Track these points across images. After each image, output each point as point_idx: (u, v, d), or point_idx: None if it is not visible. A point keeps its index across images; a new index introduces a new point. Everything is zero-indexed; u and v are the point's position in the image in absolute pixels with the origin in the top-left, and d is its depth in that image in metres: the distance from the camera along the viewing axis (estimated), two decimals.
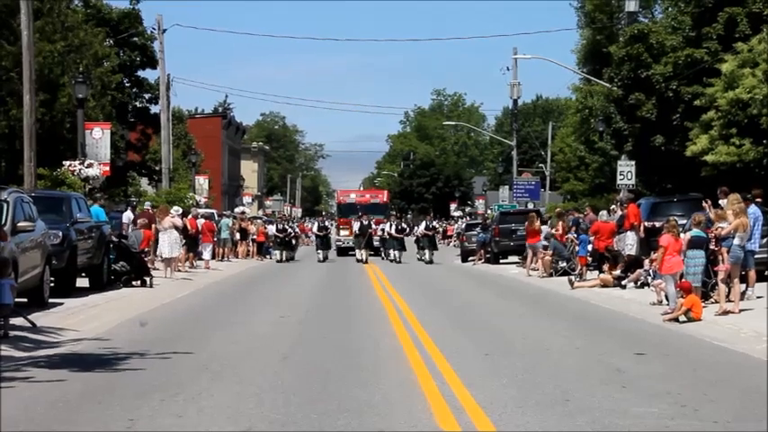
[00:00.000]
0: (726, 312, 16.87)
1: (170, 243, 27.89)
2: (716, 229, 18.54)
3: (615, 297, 22.10)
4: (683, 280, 17.21)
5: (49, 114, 34.44)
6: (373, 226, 44.47)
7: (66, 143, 35.09)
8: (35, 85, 27.72)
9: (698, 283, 17.57)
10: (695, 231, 18.06)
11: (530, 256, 32.19)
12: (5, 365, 11.57)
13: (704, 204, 22.32)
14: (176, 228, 28.47)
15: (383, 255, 45.11)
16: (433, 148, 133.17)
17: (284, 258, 42.89)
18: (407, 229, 49.31)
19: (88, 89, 32.45)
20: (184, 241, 29.60)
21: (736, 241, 17.44)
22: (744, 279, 18.53)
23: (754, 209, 18.86)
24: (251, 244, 45.93)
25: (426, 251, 42.76)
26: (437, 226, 51.36)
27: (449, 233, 73.68)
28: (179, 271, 29.94)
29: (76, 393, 9.90)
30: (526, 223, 32.97)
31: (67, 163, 30.57)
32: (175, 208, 30.80)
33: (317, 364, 12.02)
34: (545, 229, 32.04)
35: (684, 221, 20.39)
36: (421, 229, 46.18)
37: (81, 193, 26.03)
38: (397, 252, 42.58)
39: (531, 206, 51.05)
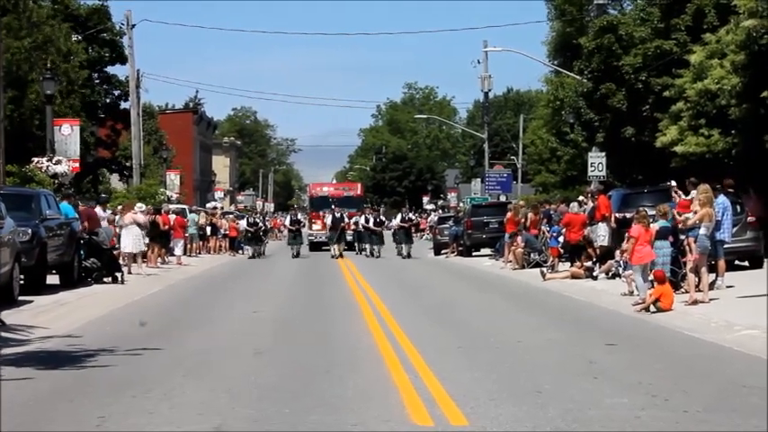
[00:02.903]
0: (695, 302, 16.98)
1: (132, 239, 27.62)
2: (683, 220, 18.66)
3: (587, 288, 22.20)
4: (656, 269, 17.28)
5: (17, 111, 34.20)
6: (346, 219, 43.72)
7: (35, 140, 34.85)
8: (3, 82, 27.48)
9: (667, 273, 17.67)
10: (661, 222, 18.15)
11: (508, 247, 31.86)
12: None
13: (673, 193, 22.48)
14: (138, 224, 28.11)
15: (357, 249, 44.33)
16: (406, 142, 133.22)
17: (255, 254, 42.11)
18: (385, 222, 48.72)
19: (56, 85, 32.20)
20: (147, 239, 29.25)
21: (702, 231, 17.55)
22: (713, 269, 18.66)
23: (722, 199, 18.99)
24: (222, 239, 45.73)
25: (404, 245, 41.61)
26: (414, 218, 50.16)
27: (422, 226, 73.75)
28: (149, 267, 29.77)
29: (47, 391, 9.83)
30: (509, 214, 32.47)
31: (36, 159, 30.33)
32: (139, 205, 30.49)
33: (290, 359, 12.00)
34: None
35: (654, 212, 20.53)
36: (397, 221, 44.95)
37: (50, 190, 25.82)
38: (375, 246, 41.60)
39: (503, 199, 51.18)
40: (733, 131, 28.89)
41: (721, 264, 19.01)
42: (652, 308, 16.58)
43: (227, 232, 46.22)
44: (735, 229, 20.76)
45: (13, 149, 30.12)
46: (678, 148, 30.34)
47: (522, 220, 31.34)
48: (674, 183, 24.24)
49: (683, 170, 28.75)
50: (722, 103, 28.71)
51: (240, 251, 45.54)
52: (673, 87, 32.02)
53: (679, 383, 10.11)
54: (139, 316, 17.61)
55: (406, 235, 42.52)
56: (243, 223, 45.34)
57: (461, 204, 62.46)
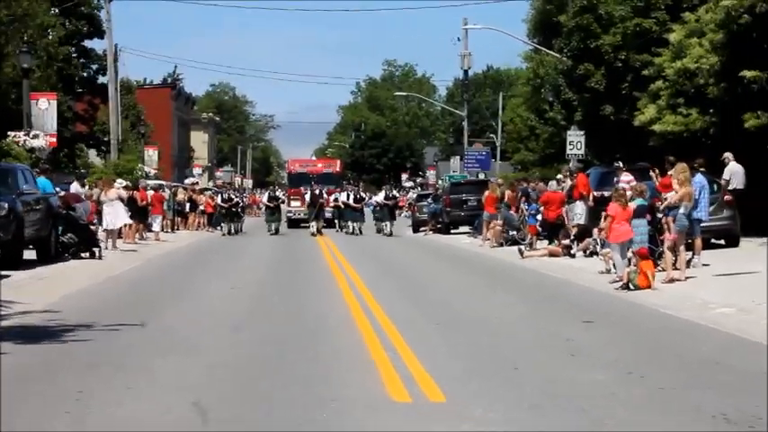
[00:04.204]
0: (672, 280, 17.11)
1: (115, 214, 27.62)
2: (663, 200, 18.78)
3: (565, 266, 22.31)
4: (640, 247, 17.35)
5: None
6: (325, 196, 43.28)
7: (12, 114, 34.58)
8: None
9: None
10: (638, 200, 18.27)
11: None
12: None
13: (651, 173, 22.64)
14: (121, 199, 28.20)
15: (337, 226, 43.95)
16: (385, 119, 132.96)
17: (231, 230, 41.03)
18: (366, 199, 48.29)
19: (33, 59, 31.93)
20: (129, 213, 29.25)
21: (681, 210, 17.68)
22: (690, 247, 18.79)
23: (700, 178, 19.13)
24: (201, 215, 45.48)
25: (387, 223, 40.85)
26: (398, 195, 49.60)
27: (400, 204, 73.84)
28: (126, 242, 29.72)
29: (24, 366, 9.80)
30: (487, 192, 32.46)
31: (13, 134, 30.12)
32: (119, 180, 30.43)
33: (268, 336, 12.02)
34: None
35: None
36: (380, 198, 44.06)
37: (27, 165, 25.66)
38: (356, 224, 41.06)
39: (481, 176, 51.26)
40: (711, 110, 29.01)
41: (698, 242, 19.16)
42: (631, 286, 16.68)
43: (204, 208, 45.87)
44: (711, 207, 20.94)
45: None
46: (656, 127, 30.45)
47: (501, 197, 31.43)
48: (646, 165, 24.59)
49: (661, 149, 28.87)
50: (700, 82, 28.81)
51: (219, 227, 45.13)
52: (652, 66, 32.09)
53: (655, 361, 10.20)
54: (117, 292, 17.59)
55: (389, 212, 41.74)
56: (218, 199, 44.59)
57: (440, 182, 62.54)
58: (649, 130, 31.02)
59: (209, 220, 45.19)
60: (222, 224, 42.06)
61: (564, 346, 11.14)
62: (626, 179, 23.45)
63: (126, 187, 30.09)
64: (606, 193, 24.43)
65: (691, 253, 18.89)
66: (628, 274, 16.88)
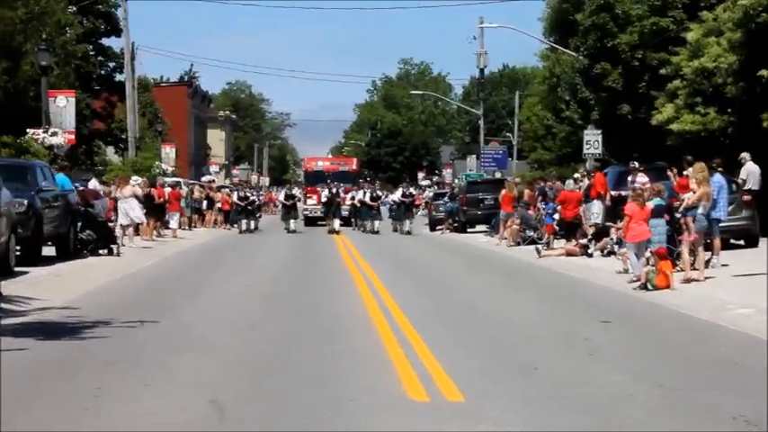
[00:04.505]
0: (691, 280, 17.04)
1: (128, 211, 27.63)
2: (681, 200, 18.70)
3: (582, 266, 22.25)
4: (658, 247, 17.28)
5: (12, 82, 34.06)
6: (342, 194, 43.27)
7: (31, 111, 34.72)
8: None
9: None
10: (656, 200, 18.20)
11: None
12: None
13: (669, 173, 22.56)
14: (136, 197, 28.22)
15: (354, 224, 43.74)
16: (401, 118, 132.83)
17: (247, 228, 40.87)
18: (382, 197, 48.03)
19: (51, 57, 32.07)
20: (144, 210, 29.30)
21: (699, 210, 17.59)
22: (709, 247, 18.71)
23: (718, 177, 19.01)
24: (218, 213, 45.55)
25: (406, 221, 40.43)
26: (415, 193, 49.24)
27: (417, 202, 73.75)
28: (144, 239, 29.81)
29: (43, 362, 9.85)
30: (503, 191, 32.29)
31: (32, 131, 30.26)
32: (134, 178, 30.48)
33: (284, 333, 12.03)
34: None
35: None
36: (397, 196, 43.61)
37: (46, 162, 25.77)
38: (373, 222, 40.72)
39: (498, 175, 51.17)
40: (729, 110, 28.90)
41: (717, 242, 19.06)
42: (649, 286, 16.61)
43: (221, 206, 45.92)
44: (730, 207, 20.83)
45: (9, 121, 30.03)
46: (674, 126, 30.35)
47: (518, 196, 31.35)
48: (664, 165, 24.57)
49: (678, 148, 28.77)
50: (718, 81, 28.70)
51: (235, 225, 45.15)
52: (669, 65, 31.97)
53: (673, 361, 10.16)
54: (135, 289, 17.66)
55: (407, 210, 41.31)
56: (234, 196, 44.59)
57: (456, 181, 62.47)
58: (667, 129, 30.92)
59: (225, 218, 45.26)
60: (238, 222, 41.98)
61: (582, 345, 11.11)
62: (641, 180, 23.39)
63: (142, 184, 30.10)
64: (624, 193, 24.40)
65: (710, 253, 18.79)
66: (646, 274, 16.81)
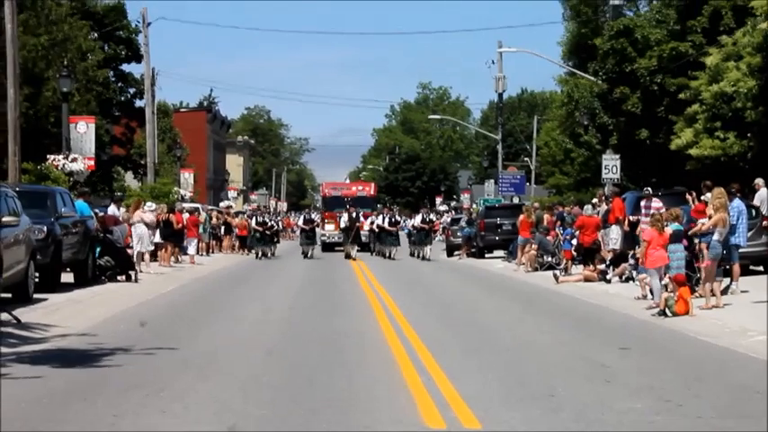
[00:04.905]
0: (710, 307, 16.93)
1: (137, 238, 27.49)
2: (698, 225, 18.62)
3: (600, 292, 22.15)
4: (677, 273, 17.19)
5: (33, 108, 34.31)
6: (362, 219, 42.83)
7: (51, 137, 34.98)
8: (19, 79, 27.57)
9: None
10: (674, 225, 18.13)
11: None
12: None
13: (688, 197, 22.48)
14: (145, 223, 27.95)
15: (372, 250, 43.60)
16: (419, 142, 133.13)
17: (264, 254, 40.64)
18: (401, 222, 47.73)
19: (73, 83, 32.33)
20: (154, 238, 29.14)
21: (715, 237, 17.46)
22: (728, 273, 18.60)
23: (738, 202, 18.93)
24: (236, 239, 45.54)
25: (426, 247, 40.14)
26: (435, 219, 48.99)
27: (435, 228, 73.67)
28: (162, 265, 29.87)
29: (61, 389, 9.87)
30: (521, 216, 32.17)
31: (52, 157, 30.45)
32: (149, 204, 30.41)
33: (302, 359, 12.02)
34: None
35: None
36: (417, 221, 43.23)
37: (65, 188, 25.91)
38: (390, 247, 40.46)
39: (516, 200, 51.10)
40: (749, 134, 28.80)
41: (736, 268, 18.94)
42: (668, 312, 16.51)
43: (238, 231, 45.82)
44: (750, 233, 20.71)
45: (29, 147, 30.23)
46: (693, 151, 30.27)
47: (535, 221, 31.28)
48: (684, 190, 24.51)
49: (697, 173, 28.69)
50: (738, 105, 28.63)
51: (252, 251, 45.02)
52: (688, 90, 31.93)
53: (692, 388, 10.09)
54: (153, 315, 17.67)
55: (426, 236, 41.17)
56: (252, 222, 44.38)
57: (474, 206, 62.39)
58: (686, 154, 30.84)
59: (243, 244, 45.17)
60: (255, 247, 41.85)
61: (600, 372, 11.05)
62: (656, 205, 23.32)
63: (156, 211, 29.89)
64: (635, 218, 24.37)
65: (729, 279, 18.69)
66: (665, 300, 16.72)
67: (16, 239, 17.14)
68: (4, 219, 16.48)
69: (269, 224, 43.31)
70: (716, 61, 30.33)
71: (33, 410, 8.81)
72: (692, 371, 11.47)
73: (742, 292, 18.86)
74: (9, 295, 16.85)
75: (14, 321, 14.67)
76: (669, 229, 17.96)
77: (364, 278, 28.42)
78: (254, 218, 43.35)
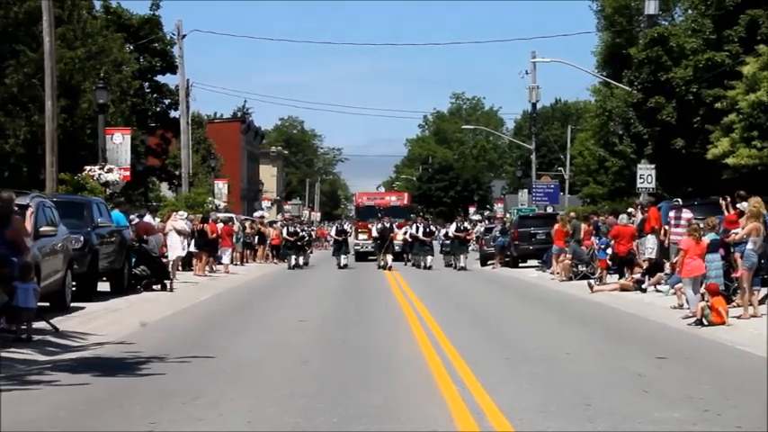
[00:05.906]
0: (748, 317, 16.76)
1: (170, 246, 27.70)
2: (732, 235, 18.45)
3: (635, 301, 22.01)
4: (709, 283, 17.05)
5: (70, 120, 34.65)
6: (395, 229, 42.50)
7: (87, 148, 35.28)
8: (56, 91, 27.90)
9: (720, 286, 17.46)
10: (710, 235, 17.98)
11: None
12: (29, 369, 11.65)
13: (721, 202, 22.27)
14: (177, 231, 28.20)
15: (405, 260, 43.33)
16: (452, 152, 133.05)
17: (296, 264, 40.57)
18: (436, 232, 47.56)
19: (108, 95, 32.63)
20: (184, 245, 29.28)
21: (749, 246, 17.25)
22: (766, 283, 18.40)
23: None
24: (269, 248, 45.67)
25: (461, 256, 39.88)
26: (469, 228, 48.65)
27: (468, 237, 73.49)
28: (197, 275, 30.03)
29: (98, 397, 9.95)
30: (556, 225, 31.97)
31: (88, 168, 30.73)
32: (181, 213, 30.62)
33: (336, 368, 12.03)
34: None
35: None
36: (451, 230, 42.76)
37: (102, 198, 26.14)
38: (425, 257, 40.00)
39: (550, 210, 50.90)
40: None
41: None
42: (705, 321, 16.37)
43: (272, 241, 45.95)
44: None
45: (66, 158, 30.54)
46: (730, 161, 30.04)
47: (572, 231, 31.16)
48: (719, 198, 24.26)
49: (734, 182, 28.44)
50: None
51: (285, 260, 45.01)
52: (724, 99, 31.69)
53: (730, 398, 9.99)
54: (187, 324, 17.78)
55: (461, 245, 40.92)
56: (284, 232, 44.29)
57: (508, 215, 62.23)
58: (722, 163, 30.60)
59: (276, 253, 45.33)
60: (288, 257, 41.74)
61: (636, 381, 10.97)
62: (686, 216, 23.12)
63: (190, 220, 30.08)
64: (668, 228, 24.19)
65: (766, 289, 18.49)
66: (702, 309, 16.58)
67: (54, 249, 17.32)
68: (41, 229, 16.66)
69: (300, 234, 43.37)
70: (753, 70, 30.10)
71: (71, 417, 8.88)
72: (731, 380, 11.36)
73: None
74: (47, 304, 17.00)
75: (52, 330, 14.81)
76: (706, 239, 17.81)
77: (398, 288, 28.40)
78: (285, 228, 43.47)
